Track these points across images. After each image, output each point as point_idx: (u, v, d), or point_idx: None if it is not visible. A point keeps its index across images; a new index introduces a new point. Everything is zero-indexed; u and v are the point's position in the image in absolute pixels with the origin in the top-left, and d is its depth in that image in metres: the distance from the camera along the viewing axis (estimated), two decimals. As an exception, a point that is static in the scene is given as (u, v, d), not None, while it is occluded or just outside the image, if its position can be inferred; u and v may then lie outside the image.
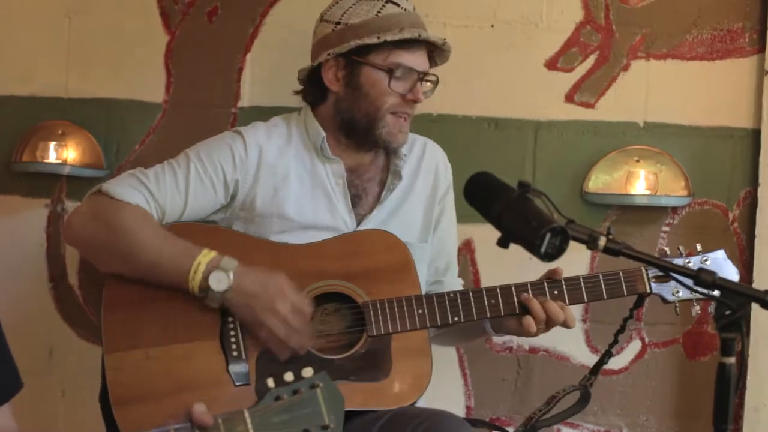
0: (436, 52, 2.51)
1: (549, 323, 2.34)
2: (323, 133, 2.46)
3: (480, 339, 2.70)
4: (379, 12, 2.42)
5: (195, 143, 2.48)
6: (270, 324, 2.25)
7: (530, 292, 2.35)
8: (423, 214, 2.56)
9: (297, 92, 2.57)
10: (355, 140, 2.48)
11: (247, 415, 1.60)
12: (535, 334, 2.36)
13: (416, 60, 2.43)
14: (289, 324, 2.24)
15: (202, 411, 1.62)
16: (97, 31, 3.10)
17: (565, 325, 2.35)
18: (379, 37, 2.38)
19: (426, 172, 2.58)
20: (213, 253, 2.25)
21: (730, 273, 2.42)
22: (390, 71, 2.40)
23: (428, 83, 2.48)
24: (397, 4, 2.44)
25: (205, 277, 2.22)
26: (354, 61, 2.42)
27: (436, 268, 2.60)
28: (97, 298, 2.38)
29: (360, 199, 2.50)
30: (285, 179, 2.44)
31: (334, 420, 1.62)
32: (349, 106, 2.44)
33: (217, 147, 2.43)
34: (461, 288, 2.60)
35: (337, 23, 2.44)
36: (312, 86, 2.51)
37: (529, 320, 2.32)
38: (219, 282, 2.22)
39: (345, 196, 2.47)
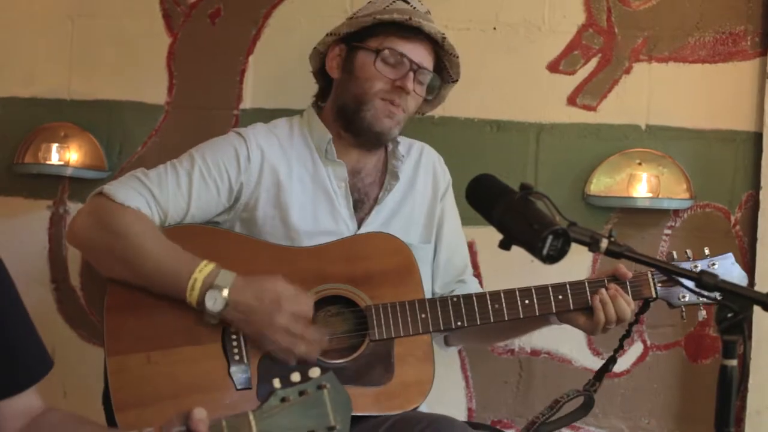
0: (446, 59, 2.49)
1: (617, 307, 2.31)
2: (329, 135, 2.45)
3: (539, 328, 2.58)
4: (388, 6, 2.44)
5: (197, 145, 2.48)
6: (273, 338, 2.23)
7: (534, 297, 2.34)
8: (425, 214, 2.56)
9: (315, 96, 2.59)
10: (351, 132, 2.46)
11: (251, 417, 1.59)
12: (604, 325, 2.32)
13: (412, 50, 2.42)
14: (292, 334, 2.22)
15: (200, 419, 1.61)
16: (99, 33, 3.11)
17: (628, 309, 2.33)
18: (374, 18, 2.40)
19: (425, 174, 2.58)
20: (210, 267, 2.22)
21: (739, 277, 2.40)
22: (377, 52, 2.40)
23: (420, 83, 2.45)
24: (407, 2, 2.46)
25: (202, 294, 2.20)
26: (353, 47, 2.44)
27: (455, 267, 2.59)
28: (98, 300, 2.38)
29: (363, 204, 2.50)
30: (287, 181, 2.43)
31: (340, 421, 1.61)
32: (342, 91, 2.46)
33: (221, 149, 2.42)
34: (479, 286, 2.62)
35: (350, 18, 2.48)
36: (321, 81, 2.55)
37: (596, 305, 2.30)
38: (215, 302, 2.19)
39: (347, 199, 2.46)
